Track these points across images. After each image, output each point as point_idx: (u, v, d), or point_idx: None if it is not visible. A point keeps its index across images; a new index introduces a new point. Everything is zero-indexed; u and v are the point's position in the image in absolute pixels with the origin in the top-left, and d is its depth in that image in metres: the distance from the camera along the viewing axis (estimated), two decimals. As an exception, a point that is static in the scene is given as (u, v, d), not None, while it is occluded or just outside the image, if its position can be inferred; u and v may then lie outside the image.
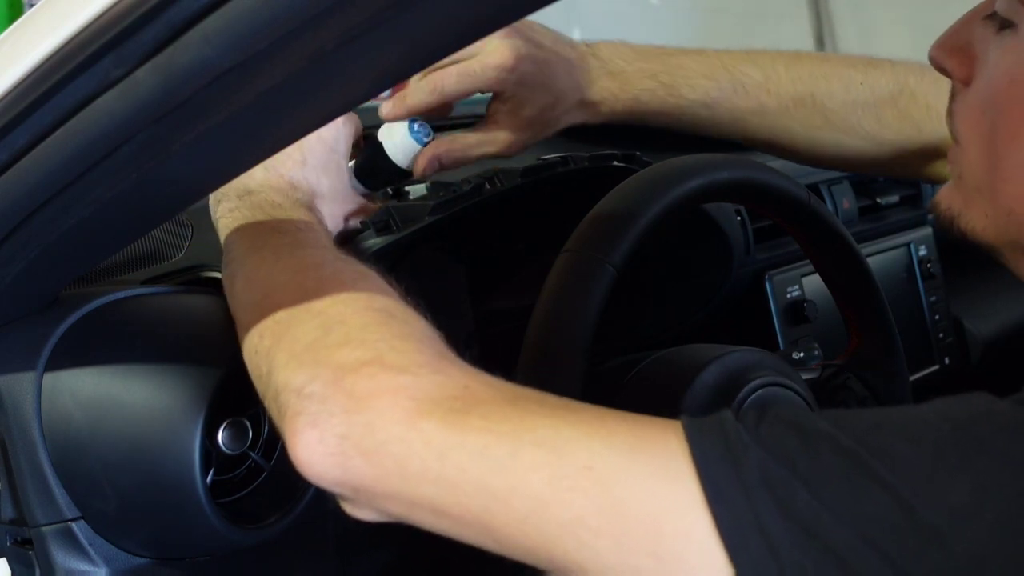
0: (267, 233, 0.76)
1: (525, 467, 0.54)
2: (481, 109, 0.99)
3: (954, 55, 0.68)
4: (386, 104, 0.92)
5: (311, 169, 0.84)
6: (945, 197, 0.71)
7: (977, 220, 0.67)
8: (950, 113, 0.70)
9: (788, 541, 0.50)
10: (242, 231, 0.77)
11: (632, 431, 0.54)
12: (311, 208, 0.82)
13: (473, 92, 0.94)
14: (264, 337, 0.66)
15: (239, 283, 0.73)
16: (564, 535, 0.54)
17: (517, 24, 0.93)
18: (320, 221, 0.81)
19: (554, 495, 0.54)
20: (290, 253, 0.72)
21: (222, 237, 0.79)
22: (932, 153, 0.97)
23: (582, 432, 0.55)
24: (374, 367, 0.59)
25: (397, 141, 0.93)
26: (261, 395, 0.66)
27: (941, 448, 0.51)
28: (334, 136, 0.87)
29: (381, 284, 0.68)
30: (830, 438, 0.51)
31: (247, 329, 0.69)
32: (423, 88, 0.91)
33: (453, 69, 0.91)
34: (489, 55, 0.91)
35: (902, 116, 0.98)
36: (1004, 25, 0.64)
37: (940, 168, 0.94)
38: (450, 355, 0.62)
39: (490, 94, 0.96)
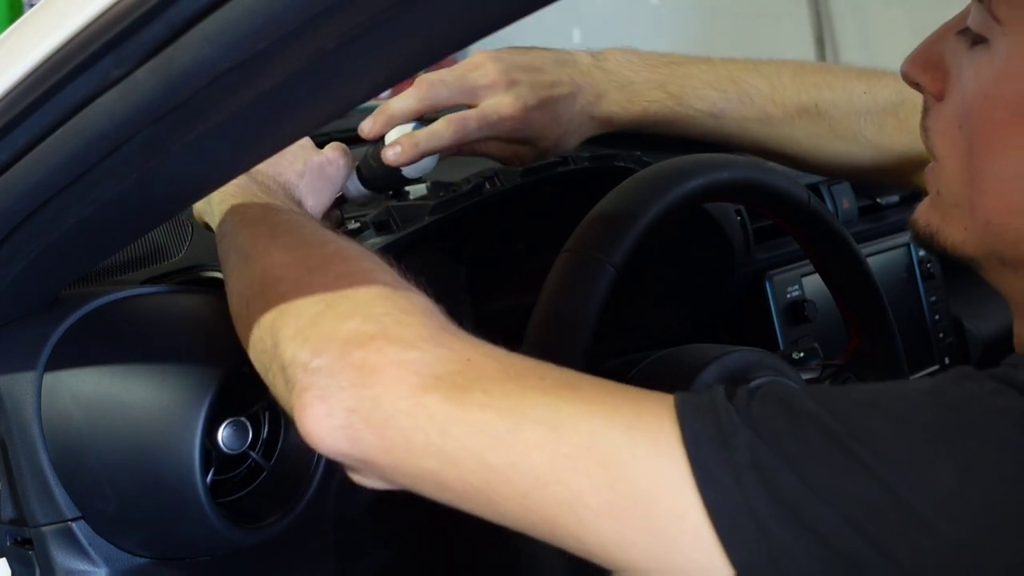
0: (262, 209, 0.77)
1: (525, 444, 0.55)
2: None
3: (927, 71, 0.69)
4: (390, 150, 0.92)
5: (305, 184, 0.87)
6: (923, 214, 0.71)
7: (956, 235, 0.68)
8: (924, 129, 0.70)
9: (776, 522, 0.51)
10: (237, 207, 0.78)
11: (631, 409, 0.55)
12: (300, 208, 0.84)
13: (486, 137, 0.96)
14: (267, 311, 0.67)
15: (232, 257, 0.74)
16: (563, 511, 0.55)
17: (519, 67, 0.96)
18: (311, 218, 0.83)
19: (554, 473, 0.54)
20: (288, 231, 0.73)
21: (217, 213, 0.79)
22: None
23: (582, 410, 0.55)
24: (380, 341, 0.60)
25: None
26: (263, 369, 0.67)
27: (926, 430, 0.52)
28: (336, 171, 0.90)
29: (381, 262, 0.69)
30: (817, 418, 0.52)
31: (246, 303, 0.69)
32: (443, 133, 0.92)
33: (473, 115, 0.94)
34: (501, 106, 0.94)
35: (902, 126, 0.99)
36: (977, 40, 0.64)
37: None
38: (452, 327, 0.63)
39: None
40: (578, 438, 0.54)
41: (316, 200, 0.89)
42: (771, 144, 1.02)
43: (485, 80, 0.94)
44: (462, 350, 0.60)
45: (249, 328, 0.68)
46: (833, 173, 1.10)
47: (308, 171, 0.88)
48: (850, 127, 1.00)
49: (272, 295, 0.67)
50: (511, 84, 0.95)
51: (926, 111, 0.70)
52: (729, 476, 0.51)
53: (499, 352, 0.61)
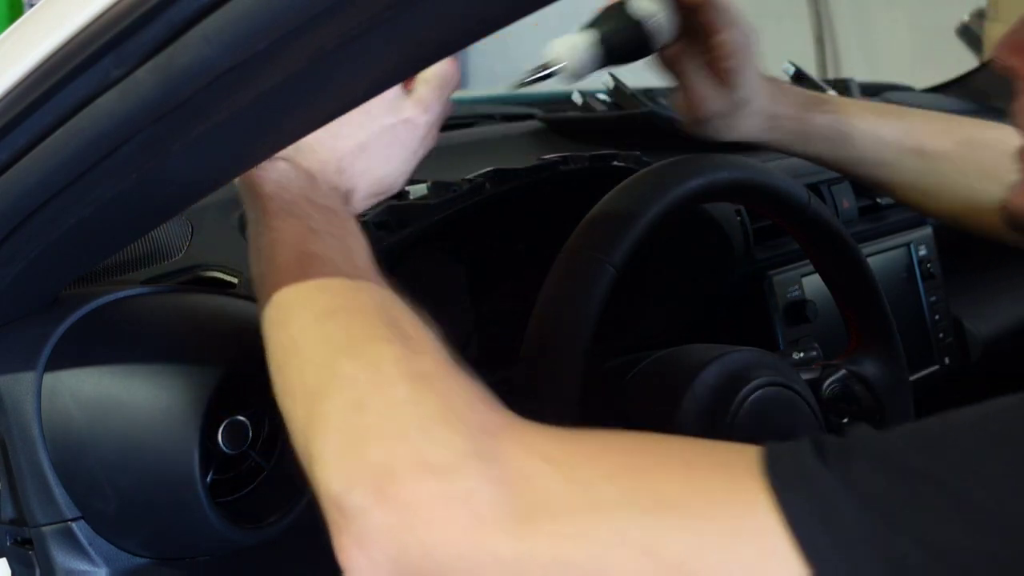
0: (303, 232, 0.67)
1: (611, 572, 0.51)
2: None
3: (1018, 53, 0.69)
4: None
5: (366, 159, 0.74)
6: (1018, 197, 0.71)
7: None
8: (1016, 111, 0.70)
9: None
10: (273, 223, 0.68)
11: (721, 502, 0.51)
12: (345, 203, 0.73)
13: (718, 26, 0.95)
14: (296, 403, 0.61)
15: (265, 291, 0.65)
16: None
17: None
18: (352, 221, 0.72)
19: None
20: (320, 287, 0.64)
21: (250, 209, 0.70)
22: None
23: (667, 524, 0.51)
24: (417, 470, 0.53)
25: (662, 18, 0.91)
26: (302, 456, 0.60)
27: None
28: (411, 131, 0.76)
29: (414, 323, 0.62)
30: (927, 475, 0.48)
31: (279, 375, 0.63)
32: None
33: (715, 3, 0.93)
34: (734, 28, 0.94)
35: None
36: None
37: None
38: (494, 422, 0.56)
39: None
40: (671, 558, 0.49)
41: (384, 171, 0.75)
42: (924, 178, 1.01)
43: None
44: (512, 459, 0.53)
45: (285, 409, 0.62)
46: (979, 223, 1.03)
47: (372, 141, 0.74)
48: (1002, 166, 0.96)
49: (296, 379, 0.61)
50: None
51: (1017, 95, 0.70)
52: (845, 562, 0.47)
53: (553, 447, 0.54)
